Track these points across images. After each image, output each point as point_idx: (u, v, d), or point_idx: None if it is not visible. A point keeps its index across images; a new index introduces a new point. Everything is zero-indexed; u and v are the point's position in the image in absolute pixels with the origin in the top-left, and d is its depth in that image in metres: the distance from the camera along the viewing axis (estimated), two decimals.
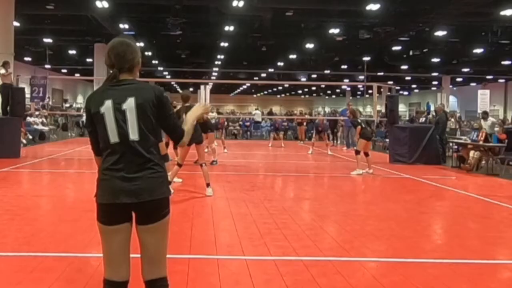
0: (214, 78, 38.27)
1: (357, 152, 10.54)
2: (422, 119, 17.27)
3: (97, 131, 2.32)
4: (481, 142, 11.25)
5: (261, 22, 21.10)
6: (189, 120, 2.59)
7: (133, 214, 2.32)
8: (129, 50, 2.37)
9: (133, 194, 2.23)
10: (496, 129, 12.94)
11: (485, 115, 14.71)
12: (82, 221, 5.44)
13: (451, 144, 14.03)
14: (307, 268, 3.93)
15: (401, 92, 43.72)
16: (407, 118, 30.17)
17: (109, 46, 2.41)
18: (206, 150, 12.63)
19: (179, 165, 7.31)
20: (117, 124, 2.26)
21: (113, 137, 2.26)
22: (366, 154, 10.64)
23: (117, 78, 2.35)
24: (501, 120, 20.24)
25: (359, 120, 11.08)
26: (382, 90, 23.40)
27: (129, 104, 2.26)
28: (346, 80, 36.06)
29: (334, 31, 21.08)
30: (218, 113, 23.32)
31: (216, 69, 34.84)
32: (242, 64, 32.48)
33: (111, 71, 2.37)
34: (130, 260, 2.37)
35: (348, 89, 51.59)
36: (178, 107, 7.64)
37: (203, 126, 11.81)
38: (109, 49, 2.39)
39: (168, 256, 2.42)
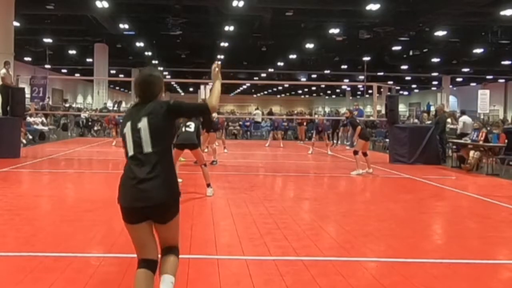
0: None
1: (356, 153, 10.54)
2: (428, 122, 17.11)
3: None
4: (481, 142, 11.25)
5: (261, 22, 21.11)
6: (215, 87, 2.99)
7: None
8: (154, 82, 2.84)
9: (145, 199, 2.64)
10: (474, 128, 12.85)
11: (462, 114, 14.93)
12: (82, 221, 5.44)
13: (451, 144, 14.03)
14: (307, 268, 3.93)
15: (401, 92, 43.77)
16: (407, 117, 30.06)
17: (137, 79, 2.85)
18: (206, 150, 12.66)
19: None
20: (134, 141, 2.73)
21: (131, 151, 2.74)
22: (365, 154, 10.64)
23: (141, 103, 2.81)
24: (501, 120, 20.26)
25: (357, 121, 11.09)
26: (382, 90, 23.41)
27: (143, 123, 2.71)
28: (346, 80, 36.09)
29: (334, 31, 21.10)
30: (218, 113, 23.29)
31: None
32: (242, 64, 32.50)
33: (137, 99, 2.86)
34: (156, 243, 2.81)
35: (348, 89, 51.64)
36: None
37: (207, 126, 11.84)
38: (136, 81, 2.85)
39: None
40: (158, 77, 2.86)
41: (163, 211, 2.72)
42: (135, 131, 2.72)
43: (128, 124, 2.77)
